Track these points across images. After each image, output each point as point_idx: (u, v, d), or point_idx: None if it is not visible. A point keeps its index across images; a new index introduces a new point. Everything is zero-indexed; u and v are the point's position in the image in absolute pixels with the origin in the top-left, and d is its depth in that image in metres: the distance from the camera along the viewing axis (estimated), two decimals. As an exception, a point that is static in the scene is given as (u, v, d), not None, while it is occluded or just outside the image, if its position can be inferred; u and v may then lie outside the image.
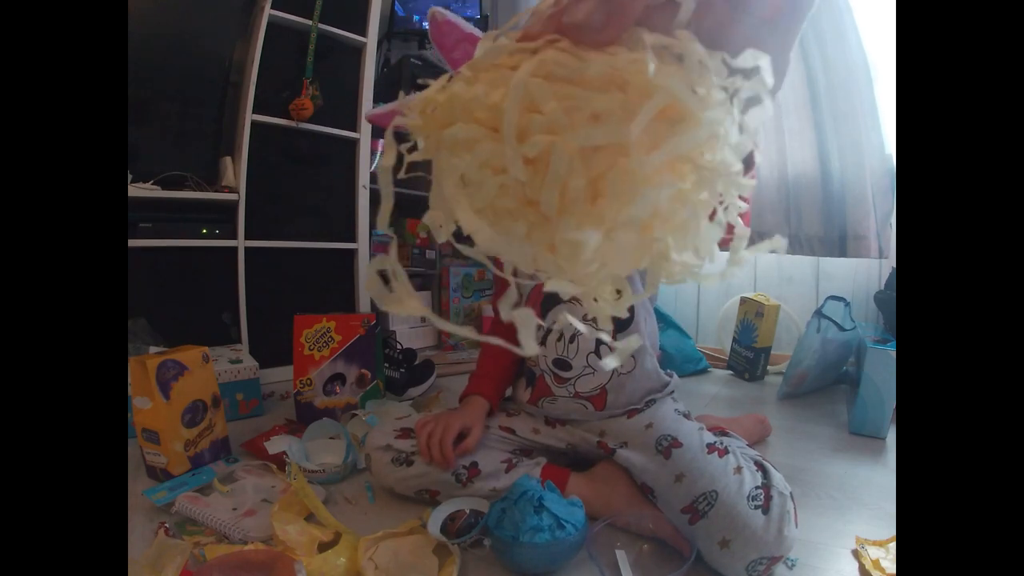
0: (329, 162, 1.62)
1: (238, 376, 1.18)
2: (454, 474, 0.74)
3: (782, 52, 0.26)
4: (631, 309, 0.79)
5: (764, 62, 0.19)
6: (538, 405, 0.82)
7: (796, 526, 0.60)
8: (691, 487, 0.64)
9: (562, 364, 0.79)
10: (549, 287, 0.21)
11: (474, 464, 0.75)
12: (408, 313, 0.20)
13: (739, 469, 0.64)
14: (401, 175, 0.22)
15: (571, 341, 0.78)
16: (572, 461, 0.80)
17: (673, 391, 0.83)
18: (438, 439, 0.74)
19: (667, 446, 0.70)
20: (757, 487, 0.62)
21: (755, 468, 0.65)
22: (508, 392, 0.94)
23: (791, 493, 0.62)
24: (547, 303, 0.79)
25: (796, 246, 1.50)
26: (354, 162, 1.66)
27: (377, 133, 1.81)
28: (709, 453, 0.67)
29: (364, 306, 1.69)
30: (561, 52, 0.18)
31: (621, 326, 0.79)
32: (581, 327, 0.25)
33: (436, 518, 0.69)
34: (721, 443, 0.70)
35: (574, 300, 0.76)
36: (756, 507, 0.59)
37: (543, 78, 0.17)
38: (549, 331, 0.79)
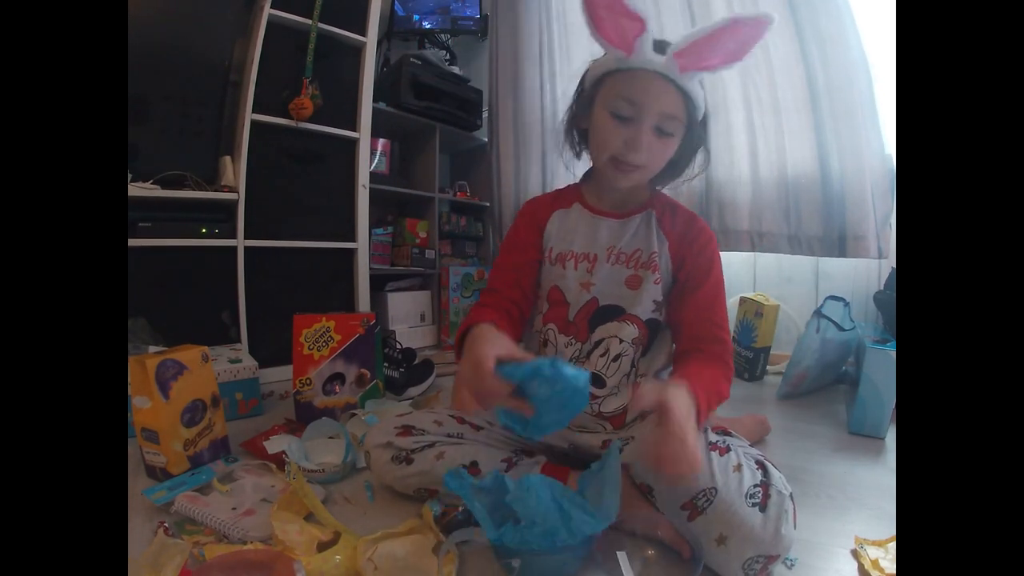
0: (329, 162, 1.62)
1: (237, 376, 1.18)
2: None
3: None
4: (659, 333, 0.80)
5: None
6: None
7: (795, 526, 0.60)
8: (691, 484, 0.64)
9: (598, 380, 0.79)
10: None
11: (474, 463, 0.75)
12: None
13: (739, 467, 0.64)
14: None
15: (615, 360, 0.78)
16: (572, 461, 0.80)
17: None
18: (468, 377, 0.55)
19: None
20: (756, 485, 0.62)
21: (755, 467, 0.65)
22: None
23: (791, 493, 0.62)
24: (595, 319, 0.79)
25: (796, 246, 1.50)
26: (354, 162, 1.66)
27: (377, 132, 1.82)
28: (711, 451, 0.67)
29: (364, 306, 1.69)
30: None
31: (647, 348, 0.80)
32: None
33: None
34: (723, 441, 0.70)
35: (627, 320, 0.74)
36: (754, 505, 0.59)
37: None
38: (595, 347, 0.79)
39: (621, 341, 0.78)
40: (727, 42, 0.64)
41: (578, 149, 0.83)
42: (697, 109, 0.71)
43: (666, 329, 0.82)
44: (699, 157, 0.78)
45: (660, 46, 0.67)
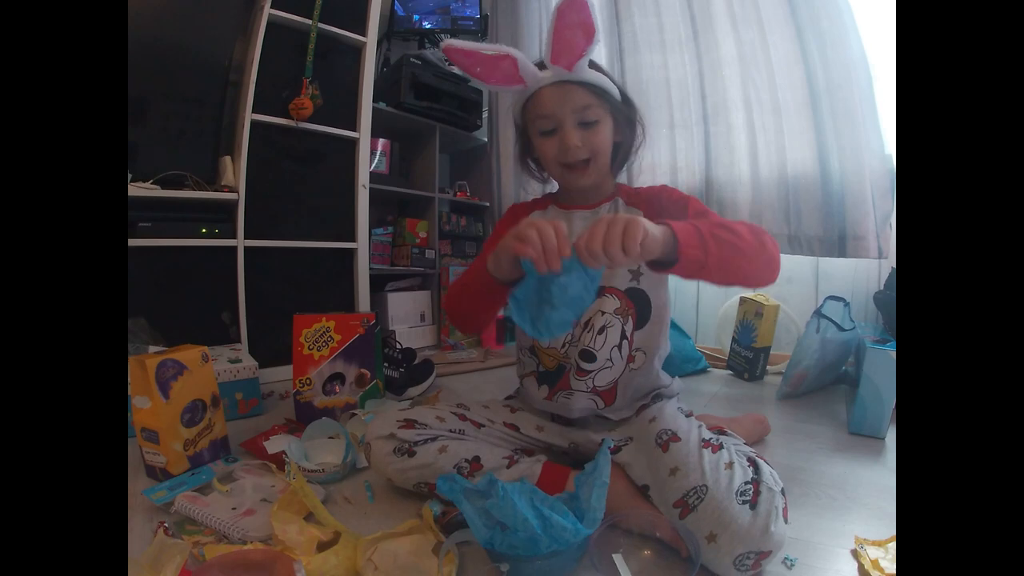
0: (329, 162, 1.62)
1: (237, 376, 1.18)
2: (456, 468, 0.74)
3: None
4: (650, 305, 0.82)
5: None
6: (554, 400, 0.83)
7: (786, 522, 0.60)
8: (683, 481, 0.64)
9: (588, 355, 0.80)
10: None
11: (476, 459, 0.75)
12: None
13: (730, 464, 0.64)
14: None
15: (600, 332, 0.80)
16: (573, 460, 0.81)
17: (678, 393, 0.87)
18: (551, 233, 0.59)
19: (666, 440, 0.71)
20: (746, 482, 0.62)
21: (747, 464, 0.65)
22: (513, 391, 0.95)
23: (782, 489, 0.62)
24: None
25: (796, 246, 1.50)
26: (354, 162, 1.66)
27: (377, 132, 1.82)
28: (703, 448, 0.68)
29: (363, 305, 1.69)
30: None
31: (641, 321, 0.81)
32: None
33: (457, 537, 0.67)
34: (716, 439, 0.71)
35: (607, 292, 0.78)
36: (744, 502, 0.60)
37: None
38: (579, 323, 0.80)
39: (603, 313, 0.80)
40: (572, 26, 0.70)
41: (538, 175, 0.91)
42: (608, 91, 0.78)
43: (662, 306, 0.83)
44: (638, 130, 0.85)
45: (540, 64, 0.76)
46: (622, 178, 0.95)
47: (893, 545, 0.65)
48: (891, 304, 1.36)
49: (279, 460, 0.87)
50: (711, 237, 0.62)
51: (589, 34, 0.70)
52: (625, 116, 0.82)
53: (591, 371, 0.81)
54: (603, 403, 0.82)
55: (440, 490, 0.62)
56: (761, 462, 0.66)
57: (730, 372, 1.62)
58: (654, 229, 0.59)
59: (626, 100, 0.82)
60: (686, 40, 1.65)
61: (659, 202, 0.83)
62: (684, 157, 1.70)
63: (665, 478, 0.67)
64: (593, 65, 0.77)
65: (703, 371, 1.64)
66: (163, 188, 1.31)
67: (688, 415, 0.80)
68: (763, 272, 0.67)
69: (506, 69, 0.75)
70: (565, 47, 0.72)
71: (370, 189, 1.70)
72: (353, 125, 1.65)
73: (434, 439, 0.77)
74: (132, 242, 1.26)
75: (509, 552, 0.57)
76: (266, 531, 0.66)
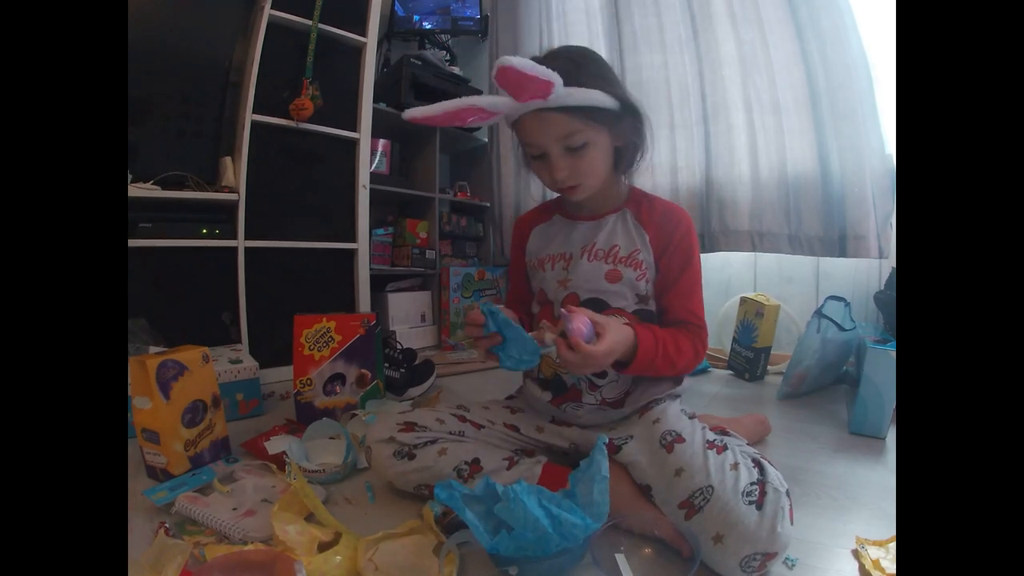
0: (329, 162, 1.62)
1: (238, 376, 1.18)
2: (456, 470, 0.74)
3: None
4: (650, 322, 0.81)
5: None
6: (561, 408, 0.83)
7: (791, 523, 0.60)
8: (688, 482, 0.64)
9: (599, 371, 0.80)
10: None
11: (476, 461, 0.75)
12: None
13: (736, 465, 0.64)
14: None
15: None
16: (573, 461, 0.81)
17: (680, 395, 0.87)
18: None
19: (671, 441, 0.71)
20: (752, 483, 0.62)
21: (752, 465, 0.66)
22: (515, 391, 0.96)
23: (787, 490, 0.62)
24: None
25: (796, 246, 1.50)
26: (354, 162, 1.66)
27: (377, 133, 1.82)
28: (708, 449, 0.68)
29: (364, 306, 1.69)
30: None
31: None
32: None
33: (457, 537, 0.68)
34: (720, 440, 0.71)
35: (616, 313, 0.78)
36: (750, 503, 0.60)
37: None
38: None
39: None
40: (518, 84, 0.65)
41: None
42: (598, 108, 0.72)
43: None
44: (645, 133, 0.80)
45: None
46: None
47: (894, 545, 0.65)
48: (891, 304, 1.36)
49: (280, 460, 0.87)
50: (662, 356, 0.73)
51: (545, 83, 0.65)
52: (628, 122, 0.77)
53: (601, 386, 0.81)
54: (612, 411, 0.82)
55: (439, 498, 0.62)
56: (766, 463, 0.66)
57: (731, 372, 1.62)
58: (620, 345, 0.68)
59: (627, 106, 0.76)
60: (686, 40, 1.65)
61: (669, 237, 0.80)
62: (684, 157, 1.70)
63: (670, 479, 0.66)
64: (586, 72, 0.71)
65: (703, 371, 1.64)
66: (163, 189, 1.31)
67: (691, 417, 0.79)
68: (686, 371, 0.80)
69: (475, 113, 0.72)
70: (525, 91, 0.67)
71: (370, 189, 1.70)
72: (353, 126, 1.65)
73: (434, 441, 0.77)
74: (132, 243, 1.26)
75: (517, 554, 0.57)
76: (267, 531, 0.66)
